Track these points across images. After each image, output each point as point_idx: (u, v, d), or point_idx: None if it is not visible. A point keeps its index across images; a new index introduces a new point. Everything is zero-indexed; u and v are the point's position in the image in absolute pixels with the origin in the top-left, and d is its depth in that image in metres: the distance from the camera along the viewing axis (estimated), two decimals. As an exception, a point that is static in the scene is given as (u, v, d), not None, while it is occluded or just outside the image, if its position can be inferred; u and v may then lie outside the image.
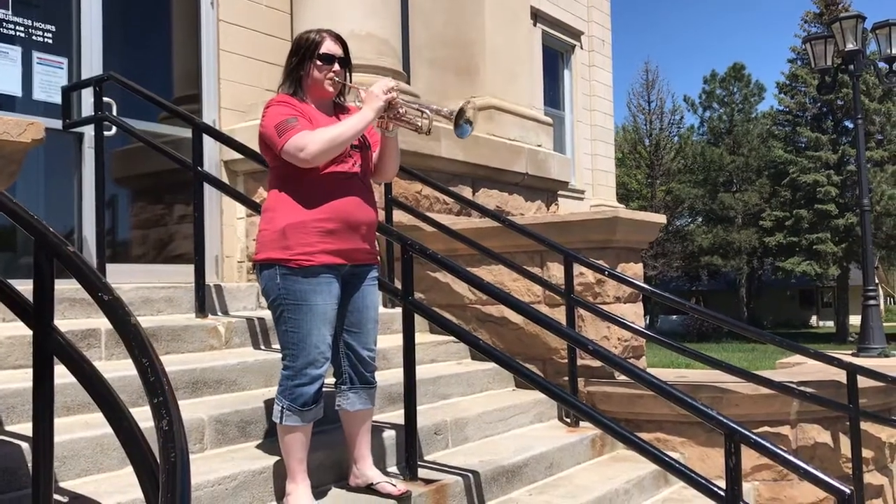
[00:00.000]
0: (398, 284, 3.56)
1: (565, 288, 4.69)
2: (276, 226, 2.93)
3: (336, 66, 3.09)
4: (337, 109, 3.18)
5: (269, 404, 3.46)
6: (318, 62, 3.06)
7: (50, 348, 1.94)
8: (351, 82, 3.21)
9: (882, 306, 38.60)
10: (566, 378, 4.75)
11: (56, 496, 2.38)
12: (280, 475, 3.03)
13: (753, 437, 2.68)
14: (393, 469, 3.47)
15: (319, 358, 2.92)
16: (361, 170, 3.09)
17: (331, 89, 3.11)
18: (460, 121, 3.03)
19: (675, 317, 35.68)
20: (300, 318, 2.90)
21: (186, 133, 4.63)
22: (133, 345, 1.71)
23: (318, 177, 2.95)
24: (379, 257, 3.22)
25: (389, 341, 4.53)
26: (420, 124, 3.13)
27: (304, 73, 3.09)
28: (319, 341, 2.91)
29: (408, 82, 6.65)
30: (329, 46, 3.09)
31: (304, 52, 3.08)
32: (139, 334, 1.73)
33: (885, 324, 10.32)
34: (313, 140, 2.87)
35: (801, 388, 4.50)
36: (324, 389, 3.00)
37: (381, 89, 2.99)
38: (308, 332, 2.90)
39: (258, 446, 3.29)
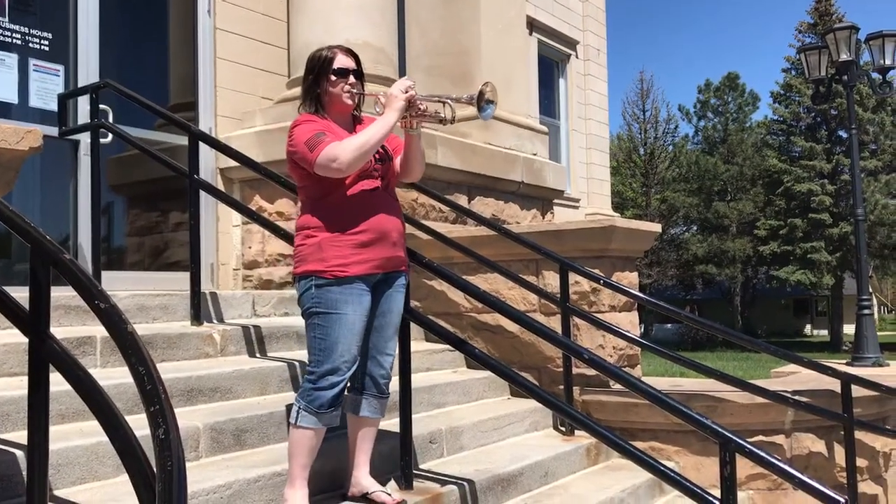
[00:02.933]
0: (394, 293, 3.55)
1: (561, 296, 4.69)
2: (313, 240, 3.01)
3: (351, 79, 3.15)
4: (355, 122, 3.24)
5: (264, 412, 3.46)
6: (333, 77, 3.12)
7: (46, 356, 1.94)
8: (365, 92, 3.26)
9: (876, 315, 38.71)
10: (561, 387, 4.76)
11: (50, 504, 2.37)
12: (276, 484, 3.02)
13: (748, 446, 2.69)
14: (388, 478, 3.47)
15: (343, 367, 2.96)
16: (386, 181, 3.17)
17: (349, 101, 3.16)
18: (482, 103, 3.06)
19: (669, 325, 35.77)
20: (329, 327, 2.95)
21: (182, 140, 4.63)
22: (129, 353, 1.71)
23: (347, 193, 3.02)
24: (407, 262, 3.26)
25: (385, 349, 4.52)
26: (443, 115, 3.18)
27: (321, 90, 3.15)
28: (345, 350, 2.96)
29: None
30: (342, 60, 3.14)
31: (318, 70, 3.14)
32: (136, 342, 1.73)
33: (879, 333, 10.36)
34: (344, 149, 2.93)
35: (796, 398, 4.51)
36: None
37: (399, 89, 3.05)
38: (335, 340, 2.95)
39: (253, 455, 3.28)
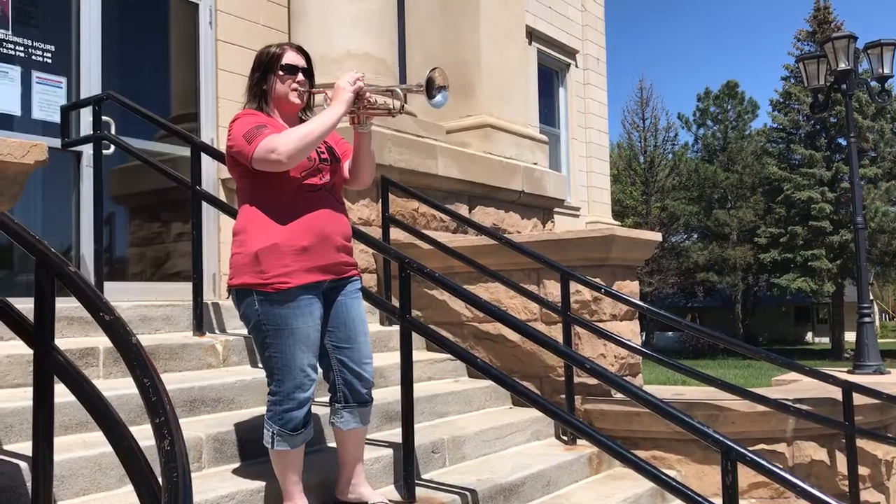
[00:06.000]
0: (395, 302, 3.57)
1: (562, 305, 4.70)
2: (249, 249, 2.84)
3: (300, 77, 3.04)
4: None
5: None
6: (281, 73, 3.01)
7: (50, 368, 1.95)
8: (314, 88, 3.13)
9: (877, 323, 38.68)
10: (563, 396, 4.76)
11: (54, 516, 2.38)
12: (278, 494, 3.02)
13: (750, 455, 2.69)
14: (390, 488, 3.47)
15: (306, 381, 2.87)
16: (331, 182, 3.02)
17: (296, 100, 3.05)
18: (433, 91, 2.93)
19: (670, 333, 35.74)
20: (282, 343, 2.83)
21: (184, 151, 4.66)
22: (135, 364, 1.72)
23: (287, 192, 2.88)
24: (357, 268, 3.16)
25: (387, 359, 4.54)
26: (392, 106, 3.04)
27: (267, 87, 3.04)
28: (304, 364, 2.86)
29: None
30: (291, 57, 3.04)
31: (266, 66, 3.04)
32: (140, 354, 1.74)
33: (880, 340, 10.34)
34: (284, 141, 2.77)
35: (797, 406, 4.51)
36: (317, 407, 2.98)
37: (347, 82, 2.92)
38: (292, 355, 2.84)
39: (256, 465, 3.28)
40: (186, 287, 4.41)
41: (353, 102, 2.93)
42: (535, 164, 7.75)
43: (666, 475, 2.90)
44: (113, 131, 4.91)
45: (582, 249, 4.98)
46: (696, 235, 39.44)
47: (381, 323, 5.34)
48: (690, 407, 4.46)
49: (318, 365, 2.97)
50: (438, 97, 2.95)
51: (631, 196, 39.54)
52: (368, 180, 3.22)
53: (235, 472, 3.18)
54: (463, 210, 6.62)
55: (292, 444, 2.87)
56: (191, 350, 3.97)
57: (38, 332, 1.96)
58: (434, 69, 2.95)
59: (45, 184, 5.20)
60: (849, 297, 31.83)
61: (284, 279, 2.82)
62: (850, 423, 4.46)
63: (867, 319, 8.77)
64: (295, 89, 3.04)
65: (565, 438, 4.63)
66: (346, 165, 3.15)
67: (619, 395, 4.64)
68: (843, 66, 9.15)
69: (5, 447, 2.82)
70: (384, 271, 5.51)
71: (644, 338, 32.45)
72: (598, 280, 4.78)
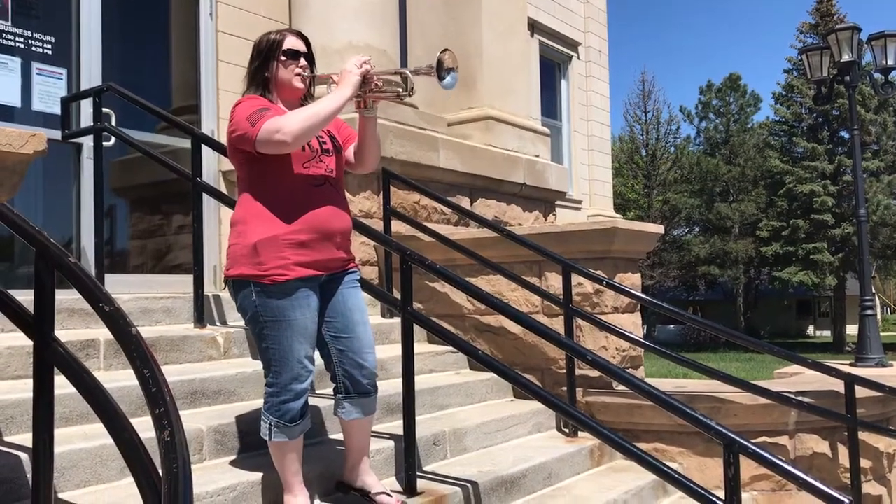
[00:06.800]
0: (397, 295, 3.56)
1: (563, 298, 4.69)
2: (248, 240, 2.82)
3: (302, 61, 3.00)
4: None
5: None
6: (284, 58, 2.97)
7: (51, 359, 1.94)
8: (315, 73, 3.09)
9: (879, 316, 38.66)
10: (564, 388, 4.76)
11: (55, 507, 2.37)
12: (279, 486, 3.02)
13: (752, 447, 2.69)
14: (391, 480, 3.47)
15: (303, 372, 2.86)
16: (336, 175, 3.00)
17: (300, 85, 3.01)
18: (442, 73, 2.90)
19: (672, 326, 35.74)
20: (280, 334, 2.82)
21: (185, 143, 4.65)
22: (135, 356, 1.71)
23: (289, 183, 2.85)
24: (355, 261, 3.14)
25: (388, 351, 4.53)
26: (399, 90, 3.01)
27: (269, 74, 2.99)
28: (302, 356, 2.85)
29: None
30: (292, 42, 3.00)
31: (266, 54, 2.99)
32: (140, 345, 1.73)
33: (882, 333, 10.32)
34: (289, 121, 2.73)
35: (799, 399, 4.50)
36: (322, 398, 2.98)
37: (354, 64, 2.88)
38: (289, 347, 2.82)
39: (257, 457, 3.27)
40: (187, 279, 4.41)
41: (359, 86, 2.90)
42: (537, 156, 7.73)
43: (668, 467, 2.89)
44: (113, 123, 4.90)
45: (584, 242, 4.97)
46: (697, 229, 39.44)
47: (383, 315, 5.34)
48: (692, 399, 4.45)
49: (314, 356, 2.97)
50: (448, 79, 2.92)
51: (633, 189, 39.50)
52: (374, 165, 3.19)
53: (236, 463, 3.18)
54: (464, 202, 6.61)
55: (290, 436, 2.86)
56: (192, 342, 3.96)
57: (39, 324, 1.95)
58: (444, 51, 2.92)
59: (45, 176, 5.19)
60: (850, 291, 31.79)
61: (282, 271, 2.81)
62: (852, 415, 4.46)
63: (869, 312, 8.76)
64: (298, 74, 3.00)
65: (567, 431, 4.63)
66: (350, 149, 3.13)
67: (620, 388, 4.63)
68: (846, 57, 9.11)
69: (6, 439, 2.82)
70: (385, 263, 5.50)
71: (645, 331, 32.47)
72: (600, 272, 4.76)
